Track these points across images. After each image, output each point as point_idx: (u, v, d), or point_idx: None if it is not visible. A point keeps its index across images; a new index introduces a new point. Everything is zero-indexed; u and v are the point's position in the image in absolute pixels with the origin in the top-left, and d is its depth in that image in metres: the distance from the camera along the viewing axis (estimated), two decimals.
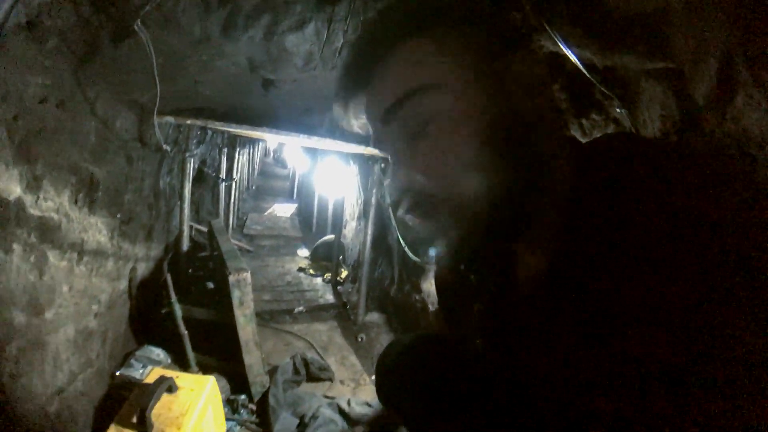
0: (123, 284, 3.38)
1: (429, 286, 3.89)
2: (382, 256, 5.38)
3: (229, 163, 7.34)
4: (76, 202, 2.45)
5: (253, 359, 3.20)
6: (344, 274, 6.18)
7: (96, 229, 2.76)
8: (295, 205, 12.77)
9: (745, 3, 0.99)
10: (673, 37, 1.23)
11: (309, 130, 3.89)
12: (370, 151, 4.16)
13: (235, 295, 3.08)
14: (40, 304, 2.11)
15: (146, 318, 3.68)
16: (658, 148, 0.61)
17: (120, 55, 2.15)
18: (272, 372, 3.44)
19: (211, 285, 4.12)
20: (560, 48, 1.57)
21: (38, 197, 2.04)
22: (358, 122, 0.77)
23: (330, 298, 5.53)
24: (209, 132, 5.34)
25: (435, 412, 0.87)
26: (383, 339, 4.47)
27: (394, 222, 4.59)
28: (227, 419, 2.78)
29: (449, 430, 0.84)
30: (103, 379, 2.87)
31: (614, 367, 0.47)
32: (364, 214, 5.21)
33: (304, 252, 7.71)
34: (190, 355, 3.34)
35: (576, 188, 0.59)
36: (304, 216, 11.16)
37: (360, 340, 4.46)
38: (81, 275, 2.58)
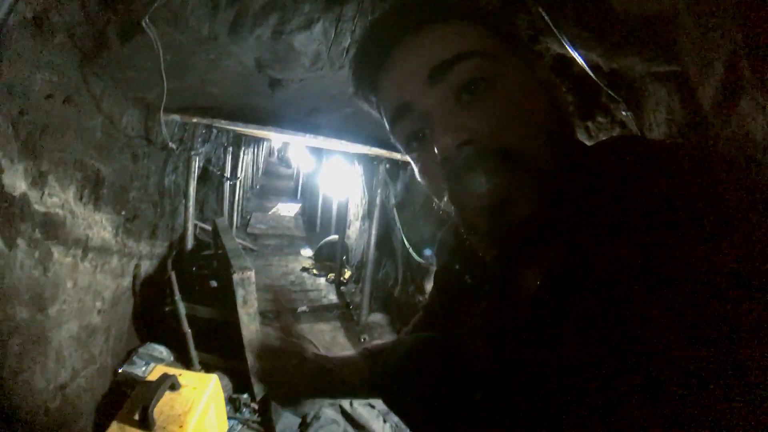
0: (127, 281, 3.39)
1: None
2: (386, 256, 5.38)
3: (234, 162, 7.36)
4: (81, 198, 2.45)
5: None
6: (348, 274, 6.18)
7: (101, 226, 2.76)
8: (299, 204, 12.80)
9: (751, 7, 0.99)
10: (679, 41, 1.23)
11: (315, 129, 3.90)
12: (376, 151, 4.16)
13: (239, 293, 3.08)
14: (43, 299, 2.11)
15: (150, 315, 3.69)
16: (663, 152, 0.61)
17: (127, 52, 2.15)
18: None
19: (214, 283, 4.13)
20: (567, 50, 1.56)
21: (43, 193, 2.05)
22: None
23: (333, 298, 5.54)
24: (214, 131, 5.35)
25: (437, 414, 0.87)
26: (386, 339, 4.46)
27: (398, 223, 4.59)
28: (229, 418, 2.78)
29: (451, 431, 0.84)
30: (106, 375, 2.88)
31: (621, 369, 0.47)
32: (368, 215, 5.22)
33: (307, 252, 7.72)
34: (193, 353, 3.34)
35: (582, 189, 0.59)
36: (308, 216, 11.18)
37: (363, 340, 4.46)
38: (85, 271, 2.59)
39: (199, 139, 4.21)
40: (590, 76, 1.58)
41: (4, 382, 1.81)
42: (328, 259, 6.78)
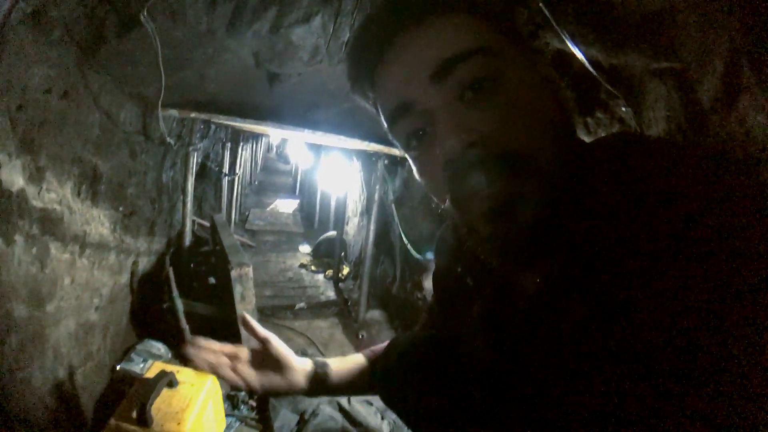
0: (125, 278, 3.39)
1: (430, 284, 3.87)
2: (384, 253, 5.38)
3: (232, 158, 7.36)
4: (79, 194, 2.45)
5: None
6: (346, 270, 6.18)
7: (98, 222, 2.76)
8: (298, 201, 12.81)
9: (751, 4, 0.98)
10: (679, 37, 1.22)
11: (313, 125, 3.89)
12: (374, 147, 4.15)
13: (237, 290, 3.08)
14: (41, 296, 2.11)
15: (147, 312, 3.68)
16: (664, 151, 0.61)
17: (125, 47, 2.14)
18: None
19: (212, 280, 4.13)
20: (567, 46, 1.56)
21: (41, 189, 2.04)
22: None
23: (331, 294, 5.55)
24: (213, 126, 5.34)
25: (436, 412, 0.87)
26: (384, 336, 4.47)
27: (396, 219, 4.59)
28: (227, 415, 2.78)
29: (449, 429, 0.84)
30: (104, 372, 2.88)
31: (619, 371, 0.47)
32: (366, 211, 5.21)
33: (306, 248, 7.73)
34: None
35: (582, 190, 0.59)
36: (306, 212, 11.19)
37: (361, 337, 4.47)
38: (83, 268, 2.58)
39: (198, 135, 4.20)
40: (589, 72, 1.58)
41: (2, 378, 1.80)
42: (327, 255, 6.79)
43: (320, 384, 1.03)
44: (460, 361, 0.84)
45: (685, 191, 0.50)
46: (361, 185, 6.34)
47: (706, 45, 1.15)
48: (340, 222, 6.74)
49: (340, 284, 5.83)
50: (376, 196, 4.72)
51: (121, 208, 3.11)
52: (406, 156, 0.71)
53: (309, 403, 3.09)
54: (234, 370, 0.98)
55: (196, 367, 0.97)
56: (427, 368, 0.91)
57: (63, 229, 2.30)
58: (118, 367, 2.99)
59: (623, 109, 1.62)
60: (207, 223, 5.67)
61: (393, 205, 4.71)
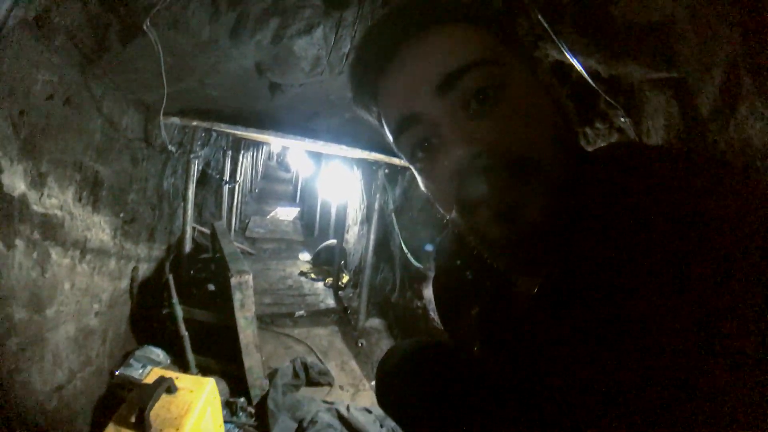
0: (125, 284, 3.39)
1: (430, 293, 3.87)
2: (384, 261, 5.37)
3: (233, 166, 7.37)
4: (80, 199, 2.46)
5: (252, 362, 3.20)
6: (346, 279, 6.17)
7: (99, 228, 2.76)
8: (298, 209, 12.80)
9: (750, 14, 0.99)
10: (678, 48, 1.23)
11: (314, 134, 3.90)
12: (375, 156, 4.17)
13: (237, 297, 3.08)
14: (41, 301, 2.11)
15: (147, 318, 3.68)
16: (663, 159, 0.61)
17: (128, 55, 2.16)
18: (272, 375, 3.44)
19: (212, 287, 4.13)
20: (565, 56, 1.57)
21: (42, 194, 2.05)
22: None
23: (331, 302, 5.53)
24: (214, 134, 5.36)
25: (435, 420, 0.87)
26: (384, 345, 4.47)
27: (396, 228, 4.59)
28: (226, 422, 2.77)
29: None
30: (103, 377, 2.87)
31: (619, 373, 0.47)
32: (366, 219, 5.22)
33: (305, 256, 7.71)
34: (190, 356, 3.33)
35: (584, 196, 0.59)
36: (306, 220, 11.18)
37: (360, 345, 4.46)
38: (83, 273, 2.59)
39: (199, 143, 4.21)
40: (589, 82, 1.59)
41: (2, 382, 1.80)
42: (326, 263, 6.78)
43: None
44: (458, 366, 0.84)
45: (685, 200, 0.50)
46: (361, 194, 6.35)
47: (705, 55, 1.16)
48: (340, 230, 6.75)
49: (340, 292, 5.82)
50: (377, 205, 4.72)
51: (121, 215, 3.11)
52: (411, 167, 0.71)
53: (308, 411, 3.08)
54: None
55: None
56: (424, 373, 0.92)
57: (64, 234, 2.30)
58: (117, 373, 2.98)
59: (622, 119, 1.63)
60: (207, 230, 5.68)
61: (393, 214, 4.71)
